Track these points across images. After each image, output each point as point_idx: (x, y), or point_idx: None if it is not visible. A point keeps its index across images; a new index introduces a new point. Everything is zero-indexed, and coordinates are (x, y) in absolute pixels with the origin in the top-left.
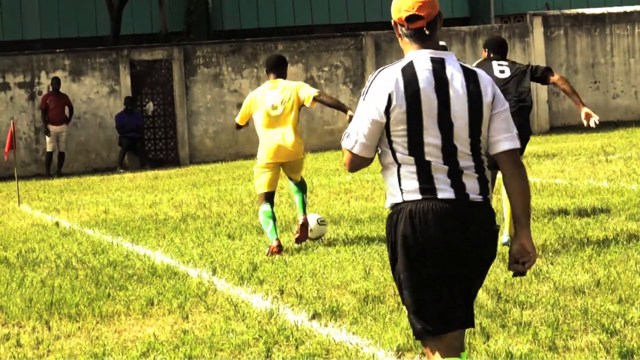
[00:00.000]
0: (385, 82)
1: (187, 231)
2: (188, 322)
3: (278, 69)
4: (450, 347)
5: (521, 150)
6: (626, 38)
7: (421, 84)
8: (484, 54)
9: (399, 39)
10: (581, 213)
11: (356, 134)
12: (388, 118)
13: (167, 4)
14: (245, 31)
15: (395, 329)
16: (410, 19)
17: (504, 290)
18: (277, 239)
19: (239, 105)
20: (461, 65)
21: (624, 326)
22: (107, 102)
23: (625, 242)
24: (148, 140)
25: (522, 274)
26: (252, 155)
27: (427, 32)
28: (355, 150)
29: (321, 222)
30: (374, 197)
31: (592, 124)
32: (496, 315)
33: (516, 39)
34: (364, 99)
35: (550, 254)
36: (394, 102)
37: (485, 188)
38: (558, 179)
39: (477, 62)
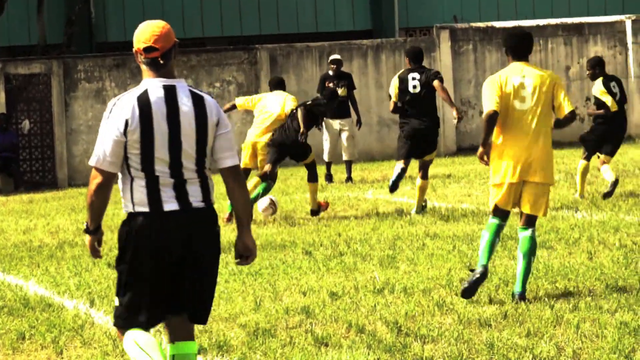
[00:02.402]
0: (122, 108)
1: (64, 259)
2: (62, 357)
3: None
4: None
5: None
6: (539, 54)
7: (154, 110)
8: (407, 61)
9: (140, 66)
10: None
11: (102, 153)
12: (126, 139)
13: (46, 13)
14: (130, 44)
15: None
16: (147, 49)
17: (404, 323)
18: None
19: None
20: (190, 91)
21: None
22: None
23: (534, 272)
24: (23, 160)
25: (245, 264)
26: None
27: (161, 62)
28: (102, 167)
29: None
30: (266, 223)
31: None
32: (395, 349)
33: (406, 50)
34: (106, 122)
35: (455, 284)
36: (130, 126)
37: (208, 195)
38: (464, 204)
39: (398, 73)
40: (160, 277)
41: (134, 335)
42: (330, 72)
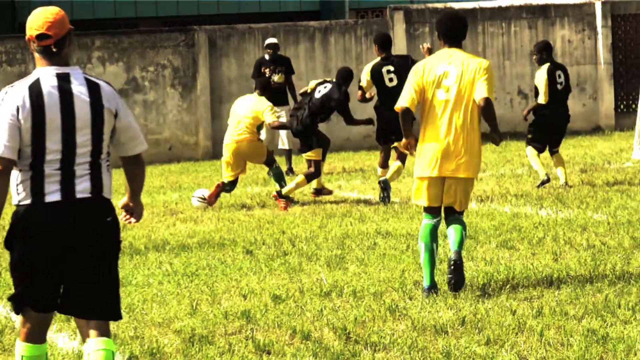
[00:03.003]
0: (13, 97)
1: None
2: None
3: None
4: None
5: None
6: (501, 37)
7: (46, 99)
8: (375, 49)
9: (34, 54)
10: (445, 239)
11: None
12: (20, 128)
13: None
14: None
15: None
16: (40, 37)
17: (354, 329)
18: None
19: None
20: (85, 79)
21: None
22: None
23: (495, 274)
24: None
25: (131, 222)
26: None
27: (54, 50)
28: (4, 155)
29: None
30: (204, 220)
31: None
32: (344, 358)
33: (374, 36)
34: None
35: (409, 286)
36: (20, 115)
37: (99, 186)
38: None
39: (372, 64)
40: (48, 269)
41: (23, 349)
42: (267, 57)
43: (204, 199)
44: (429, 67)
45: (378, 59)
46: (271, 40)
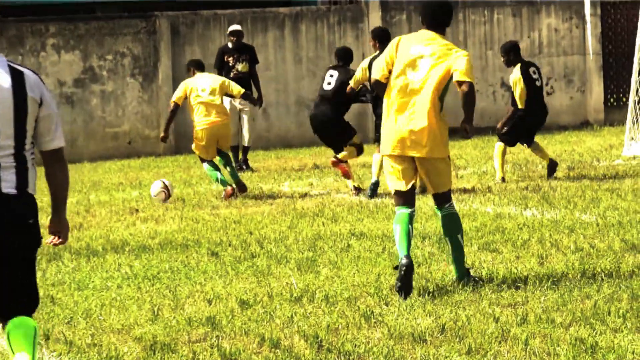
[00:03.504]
0: None
1: None
2: None
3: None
4: None
5: None
6: (483, 26)
7: None
8: (373, 44)
9: None
10: (424, 241)
11: None
12: None
13: None
14: (6, 8)
15: None
16: None
17: (326, 337)
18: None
19: None
20: (9, 66)
21: None
22: None
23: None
24: None
25: (58, 245)
26: None
27: None
28: None
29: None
30: (166, 219)
31: None
32: None
33: (347, 24)
34: None
35: (385, 291)
36: None
37: (24, 182)
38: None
39: (370, 57)
40: None
41: None
42: (230, 45)
43: (166, 187)
44: (404, 43)
45: (376, 53)
46: (235, 27)
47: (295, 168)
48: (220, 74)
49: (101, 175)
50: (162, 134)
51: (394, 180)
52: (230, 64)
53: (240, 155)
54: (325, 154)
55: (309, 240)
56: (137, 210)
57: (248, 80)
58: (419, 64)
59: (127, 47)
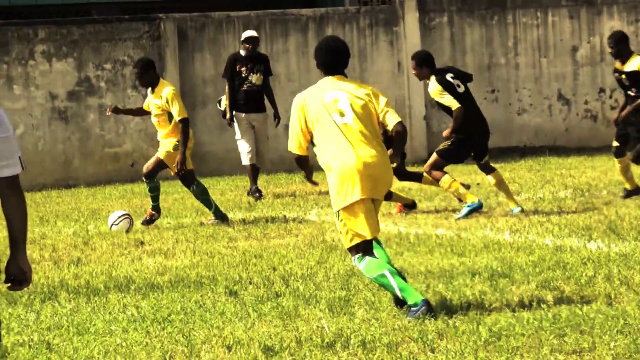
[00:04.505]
0: None
1: None
2: None
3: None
4: None
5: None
6: (536, 29)
7: None
8: (417, 72)
9: None
10: (474, 277)
11: None
12: None
13: None
14: (8, 7)
15: None
16: None
17: None
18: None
19: None
20: None
21: None
22: None
23: (536, 321)
24: None
25: (19, 289)
26: None
27: None
28: None
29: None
30: (176, 253)
31: None
32: None
33: (380, 28)
34: None
35: (430, 336)
36: None
37: None
38: (440, 229)
39: (435, 78)
40: None
41: None
42: (243, 52)
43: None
44: (310, 100)
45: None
46: (250, 33)
47: (323, 193)
48: (231, 85)
49: (100, 202)
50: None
51: (367, 228)
52: (244, 75)
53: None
54: None
55: (341, 277)
56: (142, 243)
57: (261, 94)
58: (340, 107)
59: (127, 54)
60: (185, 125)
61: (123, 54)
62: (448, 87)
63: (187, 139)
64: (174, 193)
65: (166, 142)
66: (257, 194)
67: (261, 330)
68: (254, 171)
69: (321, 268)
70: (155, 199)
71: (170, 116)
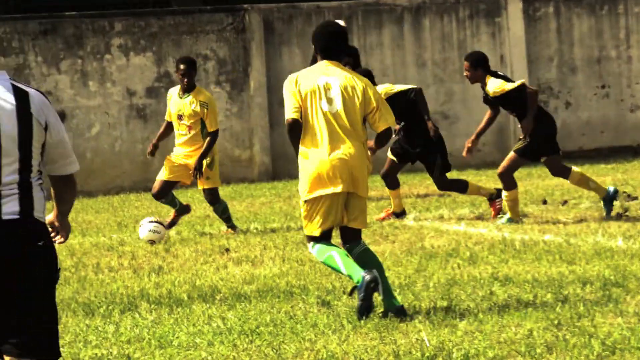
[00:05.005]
0: None
1: None
2: None
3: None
4: None
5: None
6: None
7: None
8: (471, 74)
9: None
10: (585, 287)
11: None
12: None
13: None
14: (64, 3)
15: None
16: None
17: None
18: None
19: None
20: (12, 85)
21: None
22: None
23: None
24: None
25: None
26: None
27: None
28: None
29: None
30: (264, 260)
31: None
32: None
33: (481, 19)
34: None
35: (539, 350)
36: None
37: (28, 206)
38: (548, 235)
39: (492, 78)
40: None
41: None
42: None
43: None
44: (303, 78)
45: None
46: (337, 22)
47: (421, 196)
48: None
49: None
50: None
51: (323, 221)
52: None
53: None
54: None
55: (441, 286)
56: (228, 250)
57: None
58: (330, 95)
59: (210, 48)
60: (215, 136)
61: (205, 47)
62: (508, 80)
63: (211, 148)
64: (261, 197)
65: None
66: None
67: (356, 344)
68: None
69: (420, 276)
70: (228, 219)
71: (203, 125)
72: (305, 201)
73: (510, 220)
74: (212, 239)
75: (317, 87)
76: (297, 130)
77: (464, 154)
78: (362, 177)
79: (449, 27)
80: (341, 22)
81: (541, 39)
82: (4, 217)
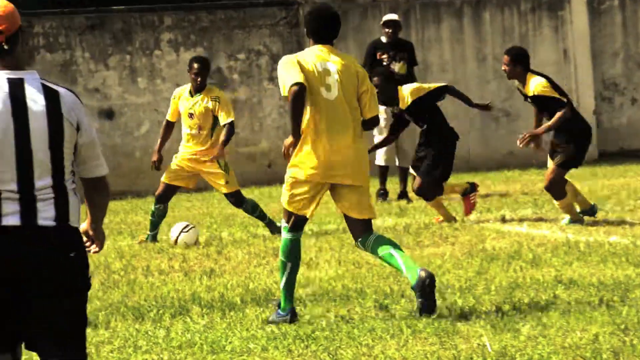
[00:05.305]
0: None
1: None
2: None
3: None
4: None
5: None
6: None
7: None
8: (510, 69)
9: None
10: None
11: None
12: None
13: None
14: None
15: None
16: None
17: None
18: None
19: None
20: (42, 85)
21: None
22: None
23: None
24: None
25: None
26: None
27: (6, 47)
28: None
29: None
30: (320, 263)
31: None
32: None
33: (543, 12)
34: None
35: (605, 355)
36: None
37: (63, 213)
38: (614, 236)
39: (535, 76)
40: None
41: None
42: (384, 39)
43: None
44: (303, 59)
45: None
46: (390, 16)
47: (482, 197)
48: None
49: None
50: None
51: (297, 203)
52: (385, 63)
53: (384, 179)
54: (520, 180)
55: (503, 289)
56: None
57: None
58: (328, 81)
59: (263, 43)
60: (233, 127)
61: (258, 42)
62: (554, 85)
63: (231, 137)
64: None
65: (212, 164)
66: (383, 196)
67: (415, 349)
68: (383, 173)
69: (481, 279)
70: (262, 217)
71: (214, 125)
72: (291, 177)
73: (573, 222)
74: (265, 240)
75: (317, 72)
76: (303, 96)
77: (533, 148)
78: (362, 167)
79: (509, 21)
80: (394, 16)
81: (606, 33)
82: (40, 222)
